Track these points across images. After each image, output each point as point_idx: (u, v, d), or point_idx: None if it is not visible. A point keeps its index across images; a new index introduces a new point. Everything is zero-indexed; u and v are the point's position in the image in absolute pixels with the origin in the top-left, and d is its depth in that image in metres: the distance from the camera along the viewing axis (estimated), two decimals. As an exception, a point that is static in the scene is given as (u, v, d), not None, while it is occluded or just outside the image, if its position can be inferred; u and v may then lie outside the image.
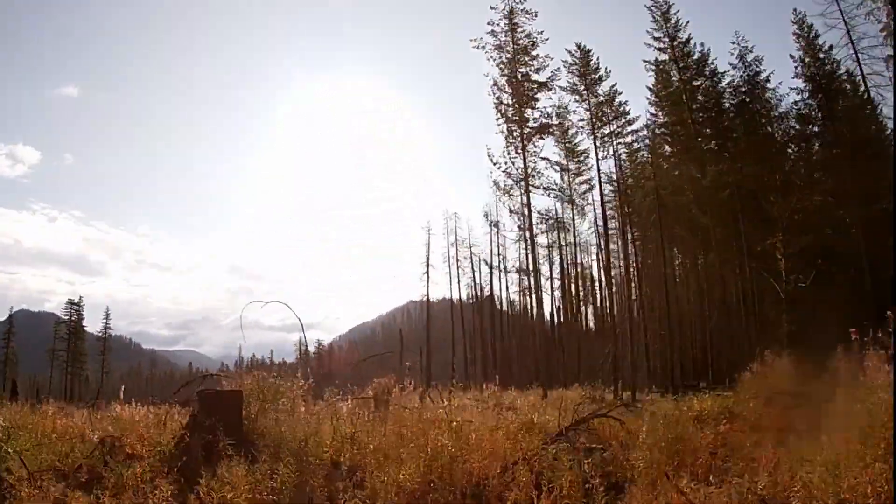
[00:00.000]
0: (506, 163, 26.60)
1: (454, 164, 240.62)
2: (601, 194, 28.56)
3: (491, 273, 45.57)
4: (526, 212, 27.42)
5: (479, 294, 47.21)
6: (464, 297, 47.79)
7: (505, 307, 49.53)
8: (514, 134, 25.73)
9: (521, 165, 25.66)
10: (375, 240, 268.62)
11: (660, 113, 28.90)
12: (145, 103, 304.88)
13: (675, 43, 27.42)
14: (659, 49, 28.16)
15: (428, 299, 47.00)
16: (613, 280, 34.80)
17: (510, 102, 25.89)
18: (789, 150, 26.85)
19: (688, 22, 27.70)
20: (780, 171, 25.02)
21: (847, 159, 22.51)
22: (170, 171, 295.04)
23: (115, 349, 76.79)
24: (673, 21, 27.58)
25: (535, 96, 25.81)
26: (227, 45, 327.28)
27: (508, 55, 26.05)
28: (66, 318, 55.15)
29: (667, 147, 29.66)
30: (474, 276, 46.60)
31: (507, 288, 49.12)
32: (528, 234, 29.80)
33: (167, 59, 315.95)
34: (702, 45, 27.75)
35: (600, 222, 31.22)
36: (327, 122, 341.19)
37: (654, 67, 28.57)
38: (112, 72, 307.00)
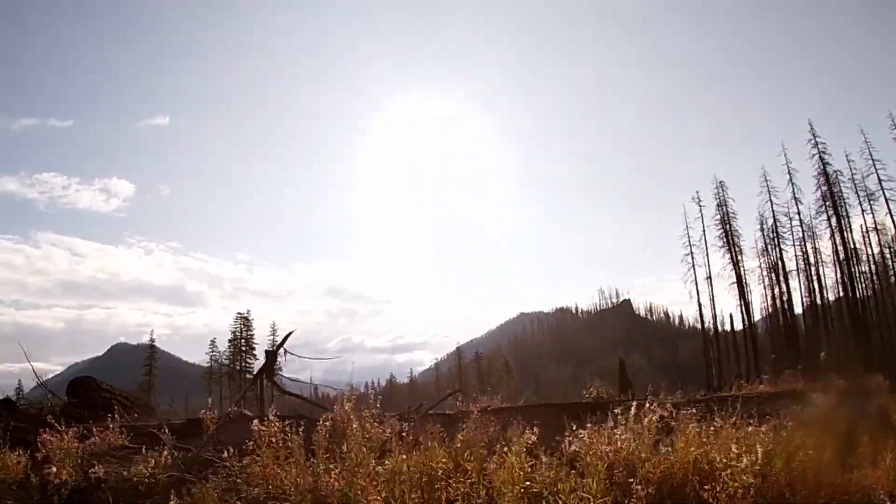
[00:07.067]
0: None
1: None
2: None
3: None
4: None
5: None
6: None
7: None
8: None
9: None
10: (477, 253, 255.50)
11: None
12: (235, 129, 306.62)
13: None
14: None
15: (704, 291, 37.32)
16: None
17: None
18: None
19: None
20: None
21: None
22: (264, 196, 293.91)
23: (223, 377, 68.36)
24: None
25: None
26: (323, 66, 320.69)
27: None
28: (234, 332, 50.61)
29: None
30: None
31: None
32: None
33: (257, 83, 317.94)
34: None
35: None
36: (418, 137, 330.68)
37: None
38: (199, 99, 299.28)
